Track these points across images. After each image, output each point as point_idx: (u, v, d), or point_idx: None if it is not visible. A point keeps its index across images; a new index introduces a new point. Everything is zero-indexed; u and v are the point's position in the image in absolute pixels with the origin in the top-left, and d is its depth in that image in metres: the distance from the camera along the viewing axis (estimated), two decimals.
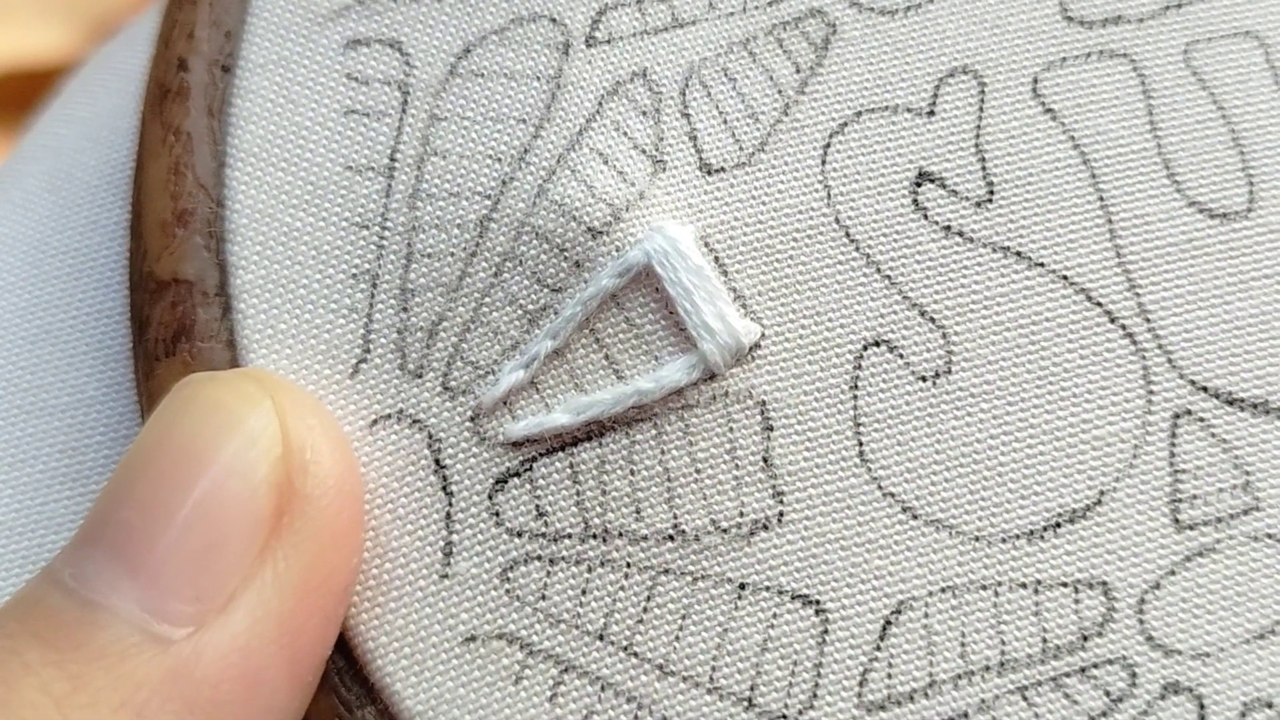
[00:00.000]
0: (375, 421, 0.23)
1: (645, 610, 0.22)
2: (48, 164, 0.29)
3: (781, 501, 0.23)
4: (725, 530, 0.22)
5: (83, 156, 0.29)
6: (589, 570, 0.22)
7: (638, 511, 0.22)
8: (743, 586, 0.22)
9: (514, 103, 0.24)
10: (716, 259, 0.23)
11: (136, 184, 0.25)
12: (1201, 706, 0.22)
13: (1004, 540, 0.23)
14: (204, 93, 0.25)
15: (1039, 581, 0.23)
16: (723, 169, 0.24)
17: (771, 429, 0.23)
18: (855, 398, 0.23)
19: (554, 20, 0.25)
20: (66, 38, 0.40)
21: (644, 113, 0.24)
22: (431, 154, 0.24)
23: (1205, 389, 0.23)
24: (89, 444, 0.26)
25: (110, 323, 0.27)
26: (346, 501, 0.22)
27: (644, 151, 0.24)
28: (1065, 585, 0.23)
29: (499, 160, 0.24)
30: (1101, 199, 0.24)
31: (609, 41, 0.25)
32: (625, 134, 0.24)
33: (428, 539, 0.22)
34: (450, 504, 0.23)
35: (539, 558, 0.22)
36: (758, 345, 0.23)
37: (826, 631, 0.22)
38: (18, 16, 0.39)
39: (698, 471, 0.23)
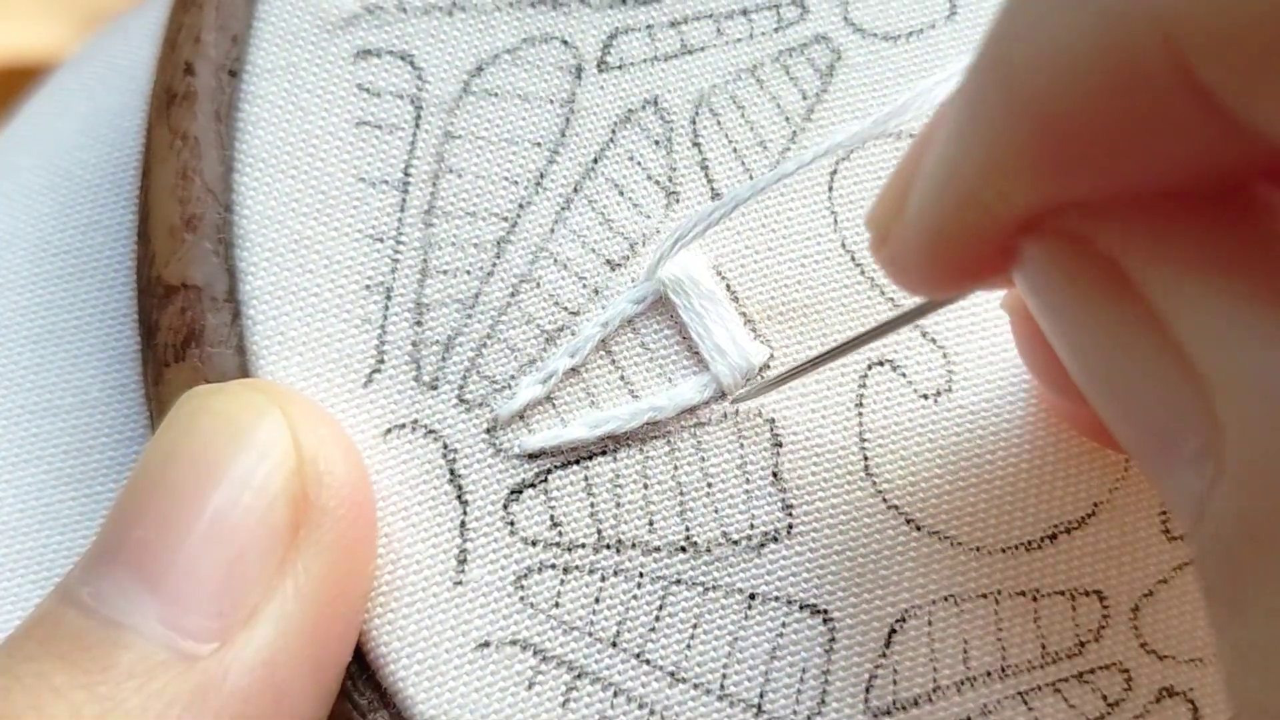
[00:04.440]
0: (389, 431, 0.23)
1: (657, 619, 0.23)
2: (45, 158, 0.29)
3: (790, 514, 0.23)
4: (736, 542, 0.23)
5: (83, 154, 0.29)
6: (602, 579, 0.23)
7: (650, 523, 0.23)
8: (753, 596, 0.23)
9: (529, 126, 0.24)
10: (728, 285, 0.24)
11: (143, 188, 0.25)
12: (1195, 710, 0.23)
13: (1003, 551, 0.23)
14: (211, 97, 0.24)
15: (1037, 590, 0.23)
16: None
17: (780, 445, 0.23)
18: (860, 415, 0.24)
19: (565, 42, 0.25)
20: (62, 33, 0.39)
21: (656, 142, 0.24)
22: (446, 171, 0.24)
23: None
24: (94, 445, 0.26)
25: (114, 324, 0.27)
26: (360, 510, 0.22)
27: (657, 182, 0.24)
28: (1062, 594, 0.23)
29: (515, 183, 0.24)
30: None
31: (620, 67, 0.25)
32: (639, 164, 0.24)
33: (442, 546, 0.23)
34: (465, 512, 0.23)
35: (553, 566, 0.23)
36: (767, 366, 0.24)
37: (834, 640, 0.23)
38: (13, 12, 0.39)
39: (709, 485, 0.23)
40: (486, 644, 0.22)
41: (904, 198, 0.18)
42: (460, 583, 0.23)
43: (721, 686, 0.22)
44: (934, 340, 0.24)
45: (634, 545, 0.23)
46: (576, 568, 0.23)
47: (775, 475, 0.23)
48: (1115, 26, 0.13)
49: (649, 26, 0.25)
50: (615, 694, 0.22)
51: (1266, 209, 0.16)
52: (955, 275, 0.18)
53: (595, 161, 0.24)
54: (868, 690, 0.23)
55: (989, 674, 0.23)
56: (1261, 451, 0.14)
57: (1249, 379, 0.14)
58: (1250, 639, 0.14)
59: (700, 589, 0.23)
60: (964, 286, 0.19)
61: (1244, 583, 0.14)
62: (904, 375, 0.24)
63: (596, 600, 0.23)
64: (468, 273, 0.24)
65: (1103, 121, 0.14)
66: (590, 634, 0.23)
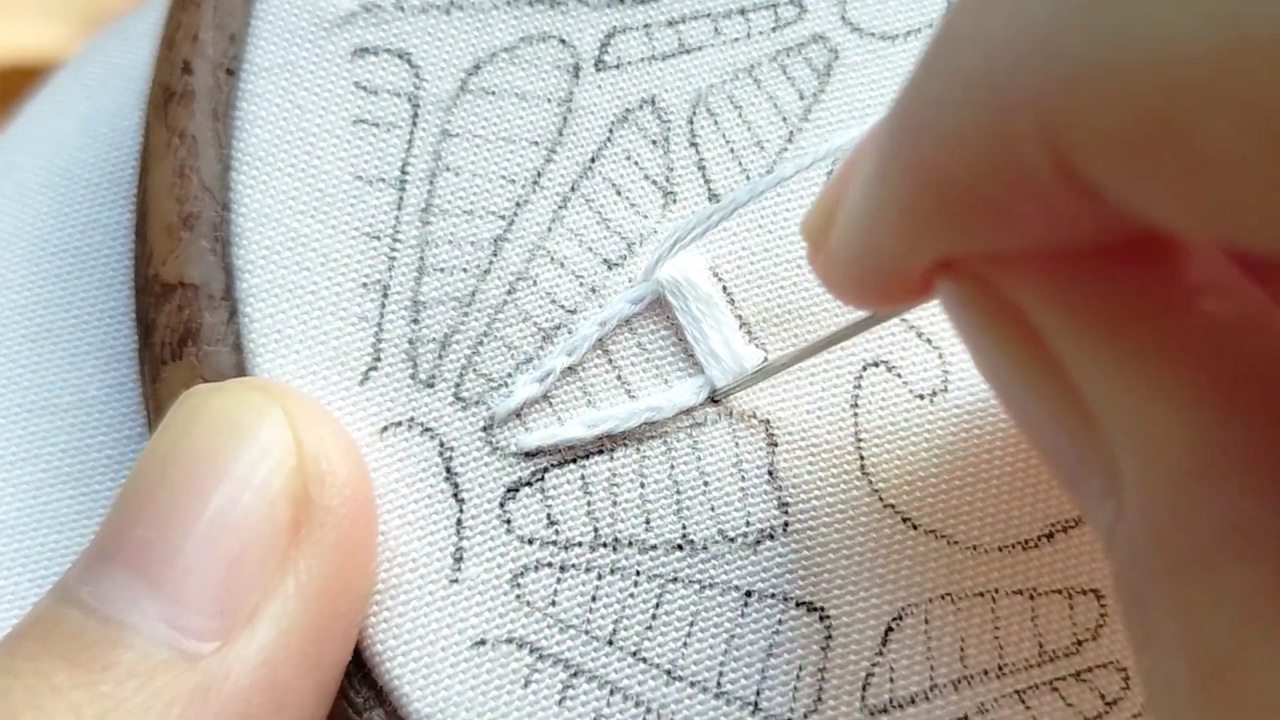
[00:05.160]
0: (386, 429, 0.23)
1: (654, 617, 0.23)
2: (44, 158, 0.29)
3: (786, 512, 0.23)
4: (732, 540, 0.23)
5: (82, 154, 0.29)
6: (599, 577, 0.23)
7: (647, 522, 0.23)
8: (749, 594, 0.23)
9: (526, 124, 0.24)
10: (725, 287, 0.24)
11: (141, 187, 0.25)
12: None
13: (1000, 549, 0.23)
14: (209, 96, 0.24)
15: (1034, 589, 0.23)
16: None
17: (776, 444, 0.23)
18: (856, 415, 0.24)
19: (563, 41, 0.25)
20: (62, 34, 0.39)
21: (654, 141, 0.24)
22: (444, 170, 0.24)
23: None
24: (91, 443, 0.26)
25: (112, 323, 0.27)
26: (361, 509, 0.22)
27: (654, 182, 0.24)
28: (1059, 592, 0.23)
29: (513, 182, 0.24)
30: None
31: (618, 66, 0.25)
32: (636, 163, 0.24)
33: (438, 544, 0.23)
34: (461, 511, 0.23)
35: (549, 565, 0.23)
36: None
37: (830, 637, 0.23)
38: (13, 12, 0.39)
39: (705, 484, 0.23)
40: (482, 642, 0.22)
41: (831, 217, 0.19)
42: (456, 581, 0.23)
43: (718, 684, 0.22)
44: (929, 340, 0.24)
45: (630, 543, 0.23)
46: (573, 566, 0.23)
47: (771, 473, 0.23)
48: (999, 118, 0.14)
49: (646, 26, 0.25)
50: (611, 692, 0.22)
51: (1173, 256, 0.16)
52: (880, 298, 0.19)
53: (592, 161, 0.24)
54: (864, 688, 0.23)
55: (986, 672, 0.23)
56: (1153, 500, 0.15)
57: (1139, 429, 0.15)
58: (1154, 670, 0.15)
59: (697, 587, 0.23)
60: (892, 306, 0.20)
61: (1146, 618, 0.15)
62: (899, 375, 0.24)
63: (593, 598, 0.23)
64: (465, 271, 0.24)
65: (993, 196, 0.14)
66: (587, 632, 0.23)
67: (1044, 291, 0.16)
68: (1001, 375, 0.17)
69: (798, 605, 0.23)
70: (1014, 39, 0.13)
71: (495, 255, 0.24)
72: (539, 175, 0.24)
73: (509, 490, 0.23)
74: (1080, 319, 0.16)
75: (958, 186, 0.15)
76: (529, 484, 0.23)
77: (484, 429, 0.23)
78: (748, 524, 0.23)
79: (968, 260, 0.17)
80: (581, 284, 0.24)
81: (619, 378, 0.24)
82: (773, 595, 0.23)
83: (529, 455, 0.23)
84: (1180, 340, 0.15)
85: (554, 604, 0.23)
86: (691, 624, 0.23)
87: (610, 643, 0.23)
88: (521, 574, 0.23)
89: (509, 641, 0.22)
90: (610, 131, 0.25)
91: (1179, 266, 0.16)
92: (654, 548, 0.23)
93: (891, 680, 0.23)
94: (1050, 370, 0.16)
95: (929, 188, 0.15)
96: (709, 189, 0.24)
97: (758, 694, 0.23)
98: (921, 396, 0.24)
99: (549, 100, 0.25)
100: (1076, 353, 0.16)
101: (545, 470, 0.23)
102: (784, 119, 0.25)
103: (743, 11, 0.25)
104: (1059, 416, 0.16)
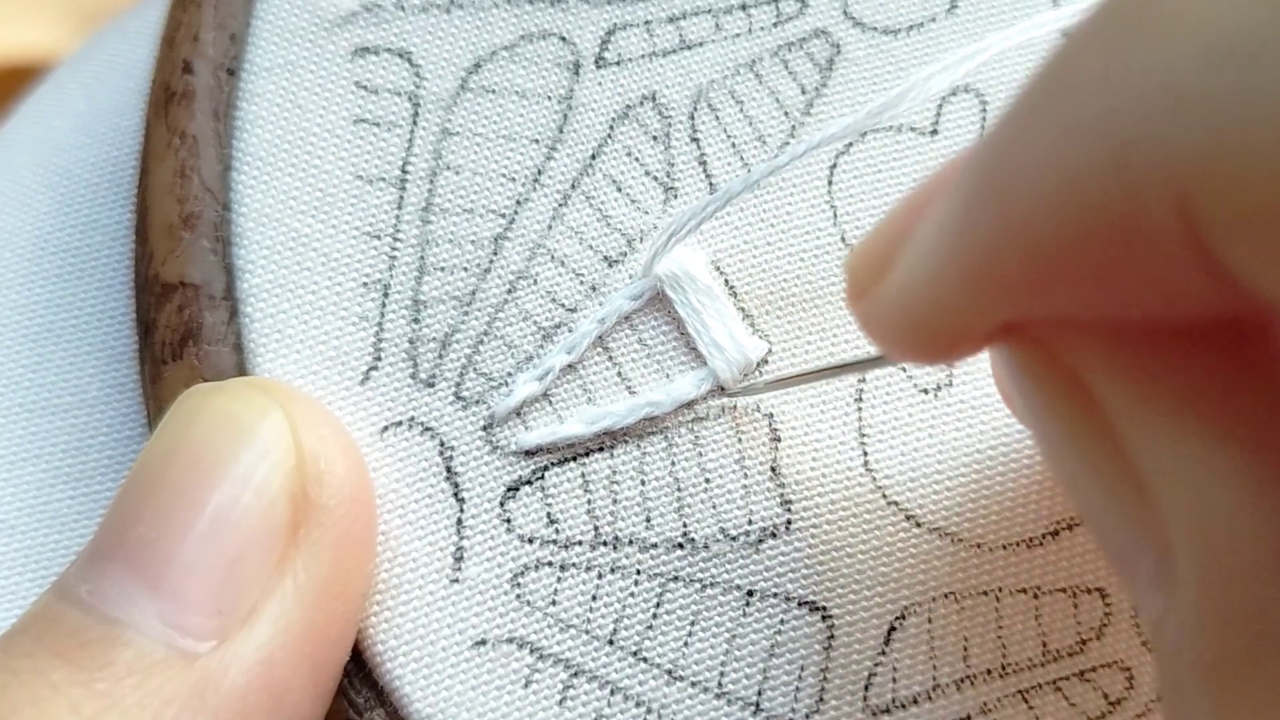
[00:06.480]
0: (386, 428, 0.23)
1: (655, 616, 0.23)
2: (43, 157, 0.29)
3: (789, 510, 0.23)
4: (734, 538, 0.23)
5: (81, 153, 0.29)
6: (599, 577, 0.23)
7: (648, 520, 0.23)
8: (750, 593, 0.23)
9: (526, 122, 0.24)
10: (726, 281, 0.24)
11: (142, 187, 0.25)
12: None
13: (1004, 547, 0.23)
14: (209, 96, 0.24)
15: (1038, 587, 0.23)
16: None
17: (779, 440, 0.23)
18: (860, 410, 0.23)
19: (563, 39, 0.25)
20: (61, 33, 0.40)
21: (654, 138, 0.24)
22: (444, 168, 0.24)
23: None
24: (92, 444, 0.26)
25: (113, 323, 0.27)
26: (361, 509, 0.22)
27: (655, 178, 0.24)
28: (1064, 591, 0.23)
29: (513, 180, 0.24)
30: None
31: (619, 63, 0.25)
32: (637, 160, 0.24)
33: (438, 544, 0.23)
34: (461, 510, 0.23)
35: (550, 564, 0.23)
36: (765, 360, 0.24)
37: (832, 637, 0.23)
38: (13, 12, 0.39)
39: (707, 481, 0.23)
40: (483, 642, 0.22)
41: (886, 262, 0.17)
42: (457, 580, 0.23)
43: (719, 684, 0.22)
44: None
45: (631, 542, 0.23)
46: (573, 565, 0.23)
47: (774, 470, 0.23)
48: (1127, 176, 0.12)
49: (647, 22, 0.25)
50: (612, 692, 0.22)
51: (1255, 337, 0.15)
52: (926, 355, 0.18)
53: (593, 158, 0.24)
54: (866, 688, 0.23)
55: (989, 672, 0.23)
56: (1208, 593, 0.14)
57: (1199, 515, 0.14)
58: None
59: (698, 586, 0.23)
60: (934, 363, 0.19)
61: (1187, 716, 0.14)
62: (903, 369, 0.24)
63: (593, 598, 0.23)
64: (465, 270, 0.24)
65: (1095, 261, 0.13)
66: (587, 631, 0.22)
67: (1109, 360, 0.15)
68: (1056, 445, 0.16)
69: (800, 604, 0.23)
70: (1151, 95, 0.12)
71: (496, 254, 0.24)
72: (539, 173, 0.24)
73: (509, 489, 0.23)
74: (1146, 392, 0.15)
75: (1056, 248, 0.13)
76: (529, 483, 0.23)
77: (484, 428, 0.23)
78: (750, 522, 0.23)
79: (1032, 324, 0.16)
80: (582, 282, 0.24)
81: (619, 374, 0.23)
82: (775, 594, 0.23)
83: (529, 454, 0.23)
84: (1254, 424, 0.14)
85: (554, 603, 0.23)
86: (693, 623, 0.23)
87: (611, 642, 0.22)
88: (522, 573, 0.23)
89: (509, 641, 0.22)
90: (611, 128, 0.24)
91: (1261, 344, 0.15)
92: (654, 546, 0.23)
93: (894, 680, 0.23)
94: (1108, 445, 0.15)
95: (1020, 247, 0.14)
96: (710, 184, 0.24)
97: (759, 694, 0.22)
98: (926, 391, 0.24)
99: (549, 98, 0.25)
100: (1138, 427, 0.15)
101: (545, 469, 0.23)
102: (785, 113, 0.25)
103: (744, 7, 0.25)
104: (1113, 494, 0.15)
